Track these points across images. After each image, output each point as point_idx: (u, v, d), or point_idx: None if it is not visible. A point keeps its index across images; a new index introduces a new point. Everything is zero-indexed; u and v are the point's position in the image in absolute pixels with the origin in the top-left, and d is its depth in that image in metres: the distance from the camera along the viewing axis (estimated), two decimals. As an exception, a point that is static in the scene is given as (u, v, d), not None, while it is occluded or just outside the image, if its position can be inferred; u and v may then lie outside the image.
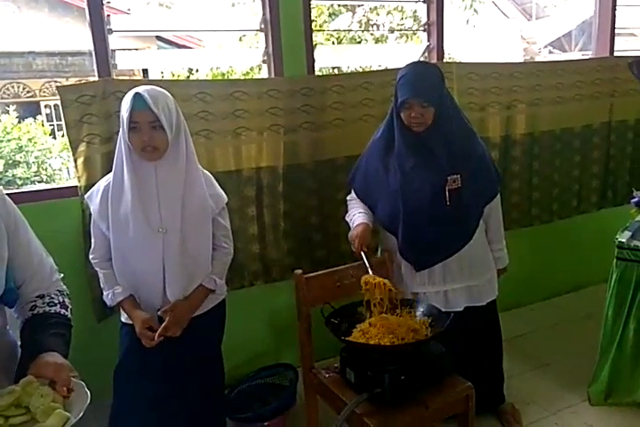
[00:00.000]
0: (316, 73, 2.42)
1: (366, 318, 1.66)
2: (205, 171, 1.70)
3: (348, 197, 2.01)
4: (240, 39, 6.59)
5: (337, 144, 2.38)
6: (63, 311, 1.07)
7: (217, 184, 1.72)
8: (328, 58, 2.84)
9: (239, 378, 2.27)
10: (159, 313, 1.56)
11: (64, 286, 1.16)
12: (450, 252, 1.84)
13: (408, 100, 1.71)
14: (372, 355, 1.56)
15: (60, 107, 1.90)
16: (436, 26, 2.67)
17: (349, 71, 4.55)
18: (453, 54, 6.56)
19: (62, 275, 1.18)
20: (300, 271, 1.77)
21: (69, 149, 1.94)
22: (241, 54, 2.98)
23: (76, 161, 1.91)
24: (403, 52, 2.93)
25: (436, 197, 1.78)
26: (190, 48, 7.44)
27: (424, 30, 2.75)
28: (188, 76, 6.40)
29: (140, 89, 1.48)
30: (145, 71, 5.16)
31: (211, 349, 1.74)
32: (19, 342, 1.05)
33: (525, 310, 3.07)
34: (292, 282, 1.82)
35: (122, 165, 1.55)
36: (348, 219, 1.92)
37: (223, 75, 6.10)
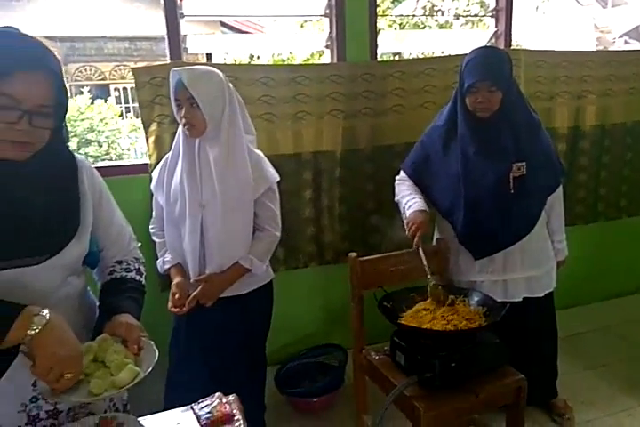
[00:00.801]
0: (378, 59, 2.41)
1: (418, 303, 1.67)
2: (258, 151, 1.70)
3: (397, 177, 1.98)
4: (302, 26, 6.63)
5: (396, 130, 2.37)
6: (138, 278, 1.15)
7: (267, 166, 1.71)
8: (390, 44, 2.81)
9: (289, 355, 2.33)
10: (192, 281, 1.64)
11: (140, 254, 1.24)
12: (512, 240, 1.80)
13: (475, 84, 1.68)
14: (423, 340, 1.57)
15: (135, 87, 1.98)
16: (504, 11, 2.59)
17: (411, 57, 4.48)
18: (521, 42, 6.32)
19: (140, 244, 1.25)
20: (354, 254, 1.79)
21: (139, 128, 2.03)
22: (304, 40, 3.00)
23: (147, 139, 2.02)
24: (468, 39, 2.86)
25: (500, 184, 1.74)
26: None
27: (492, 16, 2.67)
28: (249, 63, 6.50)
29: (181, 68, 1.55)
30: (209, 56, 5.27)
31: (253, 329, 1.78)
32: (97, 303, 1.13)
33: (585, 308, 2.96)
34: (344, 265, 1.85)
35: (179, 141, 1.65)
36: (402, 201, 1.88)
37: (283, 61, 6.16)
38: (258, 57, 6.66)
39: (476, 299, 1.69)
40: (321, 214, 2.36)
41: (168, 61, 2.06)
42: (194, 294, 1.60)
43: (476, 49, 1.79)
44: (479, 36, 2.88)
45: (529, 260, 1.85)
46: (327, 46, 2.35)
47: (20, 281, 0.92)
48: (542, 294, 1.89)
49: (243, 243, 1.65)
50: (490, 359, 1.59)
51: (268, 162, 1.73)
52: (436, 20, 6.35)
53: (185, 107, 1.55)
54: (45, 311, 0.85)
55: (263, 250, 1.70)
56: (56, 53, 0.95)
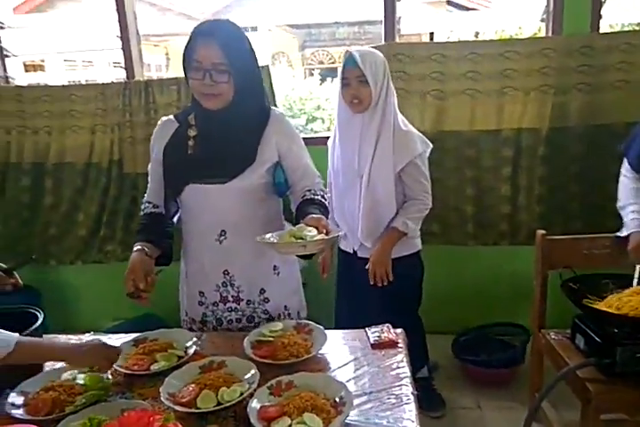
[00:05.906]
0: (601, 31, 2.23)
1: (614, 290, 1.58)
2: (407, 125, 1.78)
3: (622, 170, 1.82)
4: None
5: (617, 108, 2.19)
6: (323, 200, 1.39)
7: (413, 140, 1.75)
8: (616, 14, 2.54)
9: (468, 327, 2.39)
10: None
11: (324, 188, 1.46)
12: None
13: None
14: (608, 326, 1.50)
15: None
16: None
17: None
18: None
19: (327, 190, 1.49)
20: (542, 231, 1.77)
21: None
22: (527, 14, 2.91)
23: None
24: None
25: None
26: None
27: None
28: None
29: (354, 48, 1.71)
30: (431, 35, 5.34)
31: (396, 291, 1.82)
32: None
33: None
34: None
35: (340, 118, 1.82)
36: (620, 210, 1.74)
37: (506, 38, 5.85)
38: (483, 33, 6.43)
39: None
40: (518, 193, 2.32)
41: (382, 43, 2.26)
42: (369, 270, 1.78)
43: None
44: None
45: None
46: (542, 20, 2.26)
47: (208, 197, 1.32)
48: None
49: (389, 209, 1.78)
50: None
51: (416, 136, 1.78)
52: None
53: (352, 84, 1.71)
54: None
55: (416, 214, 1.79)
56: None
